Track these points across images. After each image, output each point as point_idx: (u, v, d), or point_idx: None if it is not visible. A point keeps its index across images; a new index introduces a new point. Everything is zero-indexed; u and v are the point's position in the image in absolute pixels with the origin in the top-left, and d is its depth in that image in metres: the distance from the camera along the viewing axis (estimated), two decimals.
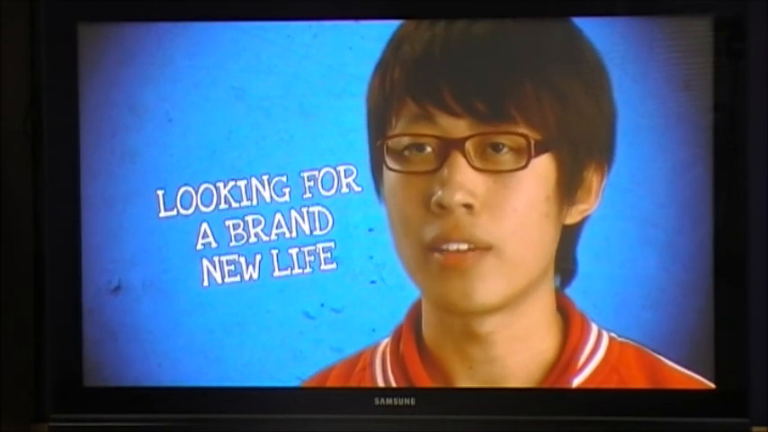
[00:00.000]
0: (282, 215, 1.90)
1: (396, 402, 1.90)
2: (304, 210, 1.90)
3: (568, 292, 1.87)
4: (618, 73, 1.85)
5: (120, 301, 1.93)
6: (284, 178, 1.90)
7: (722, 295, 1.85)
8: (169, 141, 1.92)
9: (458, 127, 1.81)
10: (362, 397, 1.90)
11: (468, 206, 1.80)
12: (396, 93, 1.84)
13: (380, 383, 1.89)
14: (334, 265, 1.90)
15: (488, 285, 1.81)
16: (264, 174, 1.90)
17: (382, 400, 1.90)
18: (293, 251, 1.91)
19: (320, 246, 1.90)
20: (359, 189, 1.89)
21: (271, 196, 1.90)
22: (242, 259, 1.91)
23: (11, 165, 2.05)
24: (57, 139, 1.92)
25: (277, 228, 1.91)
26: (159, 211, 1.92)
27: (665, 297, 1.86)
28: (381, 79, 1.85)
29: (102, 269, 1.93)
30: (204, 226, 1.91)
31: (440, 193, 1.81)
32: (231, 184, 1.90)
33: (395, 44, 1.85)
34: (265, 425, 1.91)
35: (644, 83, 1.85)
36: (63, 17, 1.91)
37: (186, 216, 1.92)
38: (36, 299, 2.10)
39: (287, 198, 1.90)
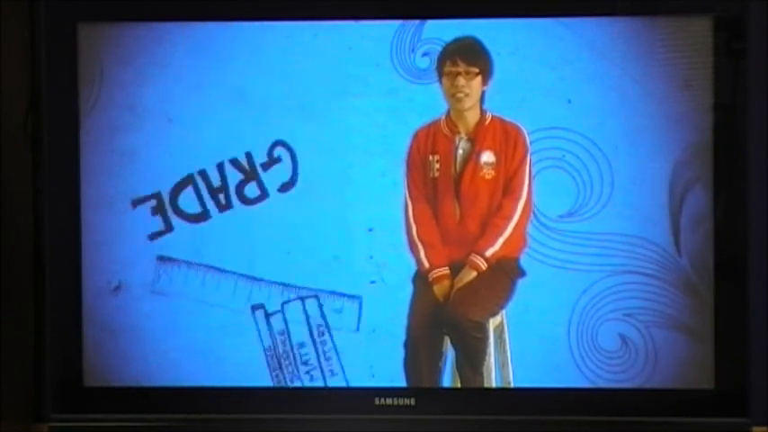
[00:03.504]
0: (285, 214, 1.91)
1: (396, 402, 1.90)
2: (306, 210, 1.91)
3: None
4: (618, 73, 1.86)
5: (120, 301, 1.94)
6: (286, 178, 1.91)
7: (722, 295, 1.86)
8: (169, 141, 1.92)
9: None
10: (362, 397, 1.90)
11: None
12: None
13: None
14: (334, 265, 1.90)
15: None
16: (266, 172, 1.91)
17: (382, 400, 1.90)
18: (293, 250, 1.91)
19: (321, 245, 1.90)
20: (359, 189, 1.89)
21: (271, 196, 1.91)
22: (242, 258, 1.92)
23: (11, 165, 2.05)
24: (57, 139, 1.92)
25: (278, 227, 1.91)
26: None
27: (666, 296, 1.86)
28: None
29: (102, 269, 1.93)
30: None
31: None
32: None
33: None
34: (265, 425, 1.91)
35: (644, 83, 1.85)
36: (63, 17, 1.91)
37: (188, 215, 1.92)
38: (36, 299, 2.10)
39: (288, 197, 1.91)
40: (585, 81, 1.87)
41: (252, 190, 1.92)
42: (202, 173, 1.92)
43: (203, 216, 1.93)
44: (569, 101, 1.87)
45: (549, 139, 1.87)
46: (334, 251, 1.91)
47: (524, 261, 1.88)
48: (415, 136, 1.89)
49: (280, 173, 1.91)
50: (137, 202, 1.92)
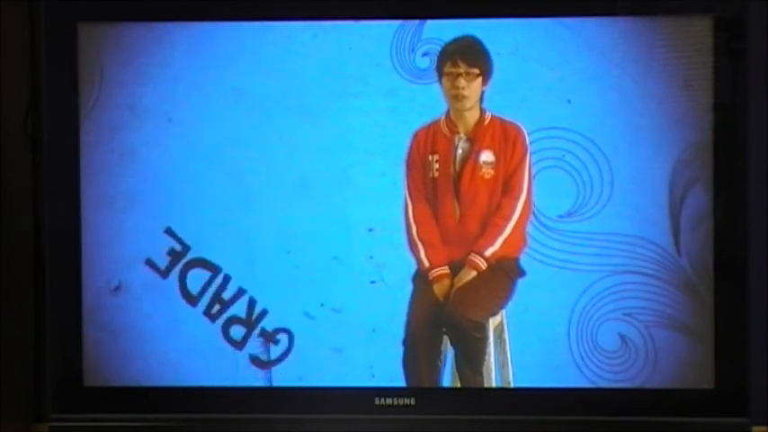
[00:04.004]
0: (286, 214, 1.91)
1: (396, 402, 1.90)
2: (304, 209, 1.91)
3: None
4: (618, 73, 1.85)
5: (120, 301, 1.94)
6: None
7: (722, 295, 1.85)
8: (169, 141, 1.92)
9: None
10: (362, 397, 1.90)
11: None
12: None
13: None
14: (334, 265, 1.90)
15: None
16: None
17: (382, 400, 1.90)
18: (293, 250, 1.91)
19: (321, 245, 1.90)
20: (359, 189, 1.89)
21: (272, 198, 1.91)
22: (243, 257, 1.92)
23: (11, 165, 2.05)
24: (57, 139, 1.92)
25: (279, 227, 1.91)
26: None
27: (666, 296, 1.86)
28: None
29: (102, 269, 1.93)
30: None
31: None
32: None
33: None
34: (266, 424, 1.91)
35: (644, 83, 1.85)
36: (63, 17, 1.91)
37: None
38: (36, 299, 2.10)
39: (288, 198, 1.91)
40: (585, 81, 1.87)
41: (238, 332, 1.92)
42: (226, 278, 1.92)
43: (193, 300, 1.93)
44: (569, 101, 1.87)
45: (548, 138, 1.87)
46: (334, 251, 1.91)
47: (524, 261, 1.88)
48: (415, 136, 1.89)
49: (267, 351, 1.92)
50: (170, 233, 1.92)
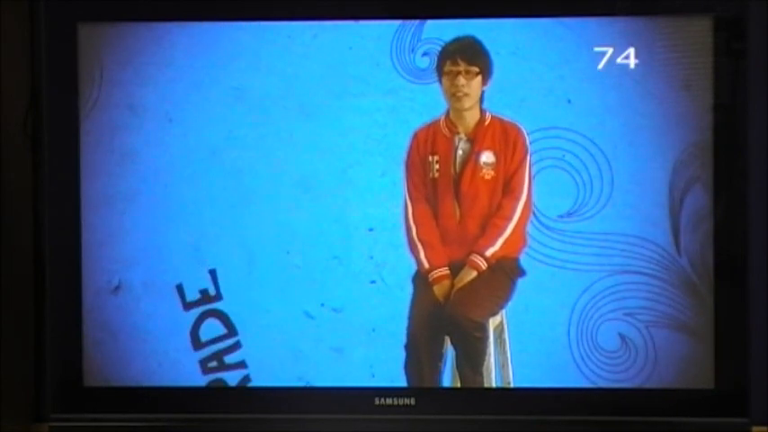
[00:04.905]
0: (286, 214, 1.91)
1: (396, 402, 1.90)
2: (304, 209, 1.91)
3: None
4: (618, 73, 1.85)
5: (120, 301, 1.94)
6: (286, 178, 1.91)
7: (722, 295, 1.86)
8: (169, 141, 1.92)
9: None
10: (362, 397, 1.90)
11: None
12: None
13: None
14: (334, 265, 1.90)
15: None
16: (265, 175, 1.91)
17: (382, 400, 1.90)
18: (293, 250, 1.91)
19: (321, 245, 1.90)
20: (359, 189, 1.89)
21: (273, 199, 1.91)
22: (242, 258, 1.92)
23: (11, 165, 2.05)
24: (57, 139, 1.92)
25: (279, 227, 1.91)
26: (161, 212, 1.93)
27: (666, 296, 1.86)
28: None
29: (102, 269, 1.93)
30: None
31: None
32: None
33: None
34: (265, 425, 1.91)
35: (644, 83, 1.85)
36: (63, 17, 1.91)
37: (188, 215, 1.92)
38: (36, 299, 2.10)
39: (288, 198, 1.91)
40: (585, 81, 1.87)
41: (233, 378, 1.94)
42: (237, 345, 1.93)
43: (197, 345, 1.93)
44: (569, 101, 1.87)
45: (548, 138, 1.87)
46: (334, 251, 1.91)
47: (524, 261, 1.89)
48: (415, 136, 1.89)
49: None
50: (212, 274, 1.92)
